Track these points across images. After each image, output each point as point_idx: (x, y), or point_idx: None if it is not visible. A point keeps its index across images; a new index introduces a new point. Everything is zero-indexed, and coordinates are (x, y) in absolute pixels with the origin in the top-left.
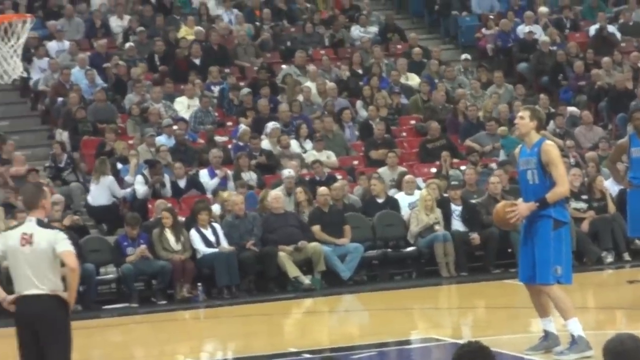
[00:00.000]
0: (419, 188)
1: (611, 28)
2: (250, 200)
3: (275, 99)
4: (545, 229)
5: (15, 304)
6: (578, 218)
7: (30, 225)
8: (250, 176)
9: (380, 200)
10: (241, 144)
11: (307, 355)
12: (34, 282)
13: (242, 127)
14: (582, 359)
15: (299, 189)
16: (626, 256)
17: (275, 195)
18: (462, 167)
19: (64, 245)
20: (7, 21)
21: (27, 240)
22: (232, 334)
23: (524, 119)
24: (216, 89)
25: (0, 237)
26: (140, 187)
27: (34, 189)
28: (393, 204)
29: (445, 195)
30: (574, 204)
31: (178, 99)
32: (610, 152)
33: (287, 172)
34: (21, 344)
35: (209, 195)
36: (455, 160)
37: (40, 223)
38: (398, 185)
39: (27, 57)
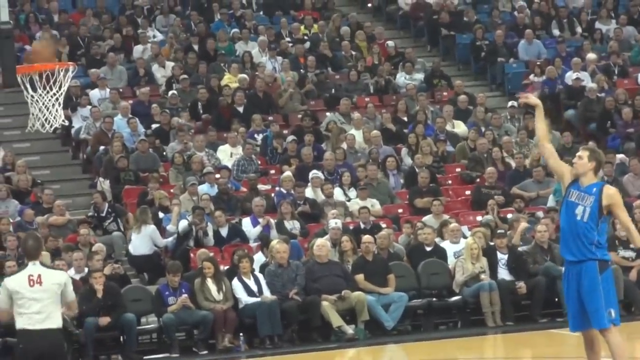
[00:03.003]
0: (465, 236)
1: None
2: (294, 249)
3: (319, 147)
4: (592, 272)
5: (22, 338)
6: (626, 267)
7: (35, 267)
8: (293, 225)
9: (428, 249)
10: (284, 191)
11: None
12: (43, 318)
13: (285, 174)
14: None
15: (344, 237)
16: None
17: (320, 244)
18: (509, 215)
19: (72, 293)
20: (49, 69)
21: (34, 281)
22: None
23: (582, 158)
24: (259, 137)
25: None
26: (183, 224)
27: (33, 241)
28: (441, 253)
29: (492, 243)
30: (622, 253)
31: (221, 147)
32: None
33: (334, 223)
34: None
35: (252, 244)
36: (502, 209)
37: (43, 265)
38: (441, 233)
39: (69, 106)
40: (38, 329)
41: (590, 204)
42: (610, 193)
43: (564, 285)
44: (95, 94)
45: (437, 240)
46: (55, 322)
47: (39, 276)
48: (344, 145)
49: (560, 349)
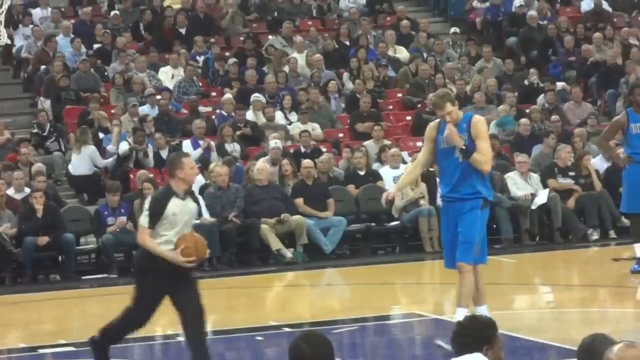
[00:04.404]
0: (405, 162)
1: (603, 4)
2: (238, 172)
3: (260, 69)
4: (474, 208)
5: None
6: (564, 195)
7: None
8: (233, 147)
9: (362, 173)
10: (225, 114)
11: (288, 329)
12: None
13: (226, 96)
14: None
15: (285, 161)
16: (612, 234)
17: (260, 167)
18: None
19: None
20: None
21: None
22: (212, 306)
23: (450, 113)
24: (201, 59)
25: None
26: (123, 146)
27: (170, 158)
28: (375, 177)
29: (431, 169)
30: (561, 180)
31: (162, 69)
32: (605, 130)
33: (274, 143)
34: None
35: None
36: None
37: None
38: (381, 158)
39: (10, 24)
40: None
41: (465, 141)
42: (474, 122)
43: (442, 220)
44: (37, 12)
45: (376, 165)
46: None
47: None
48: (286, 69)
49: (495, 275)
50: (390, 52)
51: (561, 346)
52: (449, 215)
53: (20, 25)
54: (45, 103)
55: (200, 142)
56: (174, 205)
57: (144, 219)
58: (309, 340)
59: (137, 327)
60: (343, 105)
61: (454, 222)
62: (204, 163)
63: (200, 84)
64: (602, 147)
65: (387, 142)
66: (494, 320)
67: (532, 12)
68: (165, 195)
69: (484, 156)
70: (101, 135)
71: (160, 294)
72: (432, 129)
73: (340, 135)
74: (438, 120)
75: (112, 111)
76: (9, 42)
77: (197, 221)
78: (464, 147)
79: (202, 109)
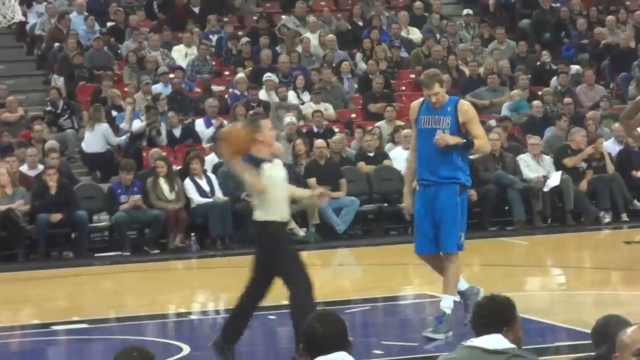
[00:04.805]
0: None
1: None
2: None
3: (273, 49)
4: (452, 194)
5: None
6: (577, 177)
7: None
8: None
9: (371, 155)
10: (238, 93)
11: None
12: None
13: (239, 76)
14: (445, 339)
15: (298, 140)
16: (624, 217)
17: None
18: None
19: None
20: None
21: None
22: (224, 285)
23: (437, 93)
24: (214, 38)
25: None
26: (136, 124)
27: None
28: (385, 158)
29: None
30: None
31: (175, 47)
32: (627, 108)
33: (289, 119)
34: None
35: (205, 145)
36: None
37: None
38: (393, 139)
39: (24, 1)
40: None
41: (447, 126)
42: (465, 109)
43: (416, 205)
44: None
45: (389, 146)
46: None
47: None
48: (299, 49)
49: (508, 257)
50: (403, 33)
51: (572, 328)
52: (424, 199)
53: (34, 3)
54: (58, 80)
55: (213, 121)
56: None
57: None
58: (322, 319)
59: (308, 294)
60: (356, 85)
61: (431, 208)
62: (216, 142)
63: (213, 63)
64: (624, 126)
65: (399, 122)
66: (513, 301)
67: None
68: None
69: (482, 139)
70: (114, 113)
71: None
72: (415, 109)
73: (353, 115)
74: (420, 100)
75: (125, 89)
76: (23, 19)
77: (210, 199)
78: (464, 141)
79: (214, 87)
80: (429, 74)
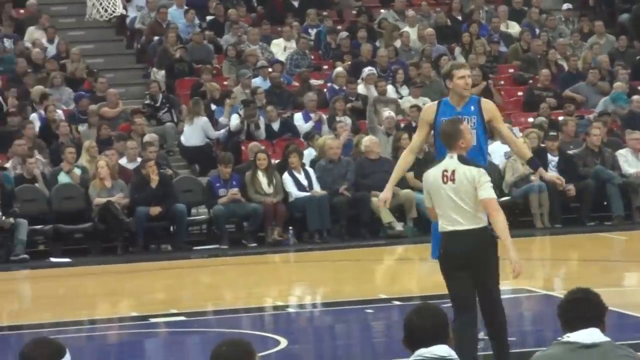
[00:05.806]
0: (516, 137)
1: None
2: (347, 145)
3: (372, 43)
4: None
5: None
6: None
7: (451, 162)
8: (345, 121)
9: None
10: (337, 87)
11: (397, 303)
12: (456, 218)
13: (338, 70)
14: None
15: (404, 135)
16: None
17: (372, 140)
18: (560, 118)
19: (486, 191)
20: None
21: (447, 177)
22: (321, 278)
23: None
24: (313, 32)
25: (423, 177)
26: (234, 121)
27: (452, 127)
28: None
29: (543, 145)
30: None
31: (275, 41)
32: None
33: (388, 113)
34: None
35: (303, 139)
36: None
37: (461, 159)
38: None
39: None
40: (453, 230)
41: (473, 125)
42: (489, 106)
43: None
44: None
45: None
46: (471, 222)
47: (452, 172)
48: (397, 43)
49: (606, 252)
50: (502, 28)
51: None
52: None
53: None
54: (158, 74)
55: (312, 115)
56: None
57: (491, 191)
58: (419, 312)
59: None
60: None
61: None
62: (307, 136)
63: (312, 57)
64: None
65: None
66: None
67: None
68: None
69: (515, 138)
70: (213, 106)
71: None
72: (430, 112)
73: None
74: (435, 103)
75: (225, 83)
76: (124, 12)
77: (308, 193)
78: (534, 168)
79: (313, 81)
80: (457, 62)
